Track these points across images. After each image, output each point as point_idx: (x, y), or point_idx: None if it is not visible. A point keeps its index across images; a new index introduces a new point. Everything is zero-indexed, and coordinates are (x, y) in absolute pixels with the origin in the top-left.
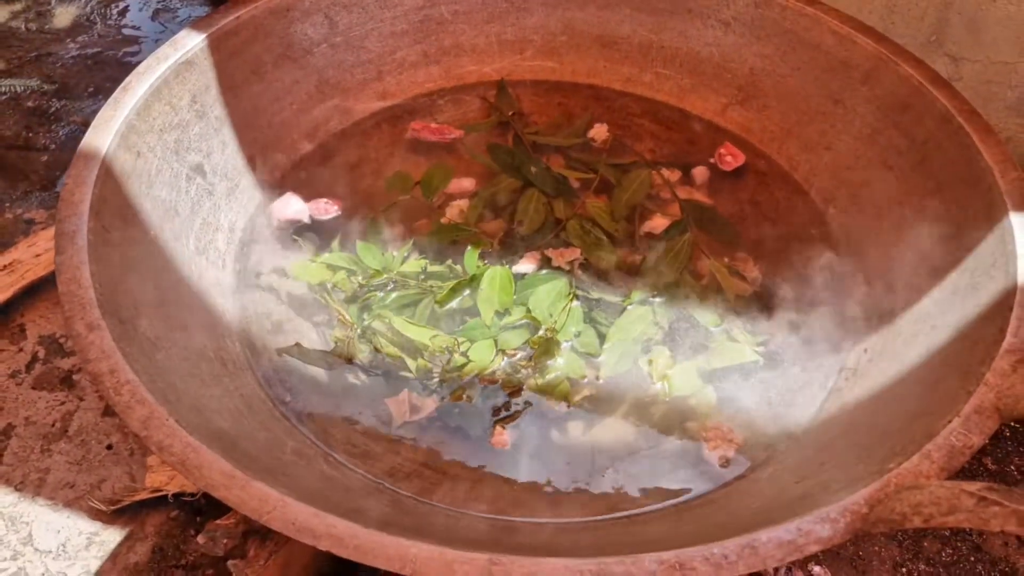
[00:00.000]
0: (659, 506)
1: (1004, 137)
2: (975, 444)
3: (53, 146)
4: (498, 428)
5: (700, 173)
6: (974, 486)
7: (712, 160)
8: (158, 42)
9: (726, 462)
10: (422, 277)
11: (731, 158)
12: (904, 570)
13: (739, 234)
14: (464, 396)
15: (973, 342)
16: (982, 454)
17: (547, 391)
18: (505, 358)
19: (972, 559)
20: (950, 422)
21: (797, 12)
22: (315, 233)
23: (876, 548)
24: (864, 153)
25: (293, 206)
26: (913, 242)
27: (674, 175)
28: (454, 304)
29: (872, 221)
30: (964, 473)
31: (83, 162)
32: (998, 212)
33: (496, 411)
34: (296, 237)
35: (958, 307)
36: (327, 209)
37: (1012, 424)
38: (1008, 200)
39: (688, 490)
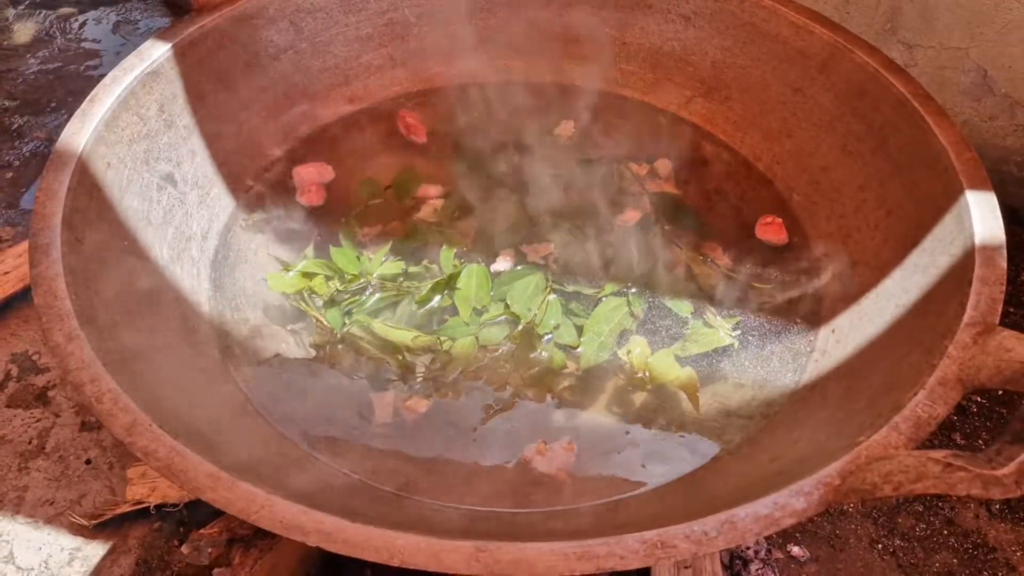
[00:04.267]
0: (640, 491)
1: (959, 120)
2: (940, 414)
3: (17, 162)
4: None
5: (663, 165)
6: (940, 453)
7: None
8: (119, 55)
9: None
10: (400, 279)
11: (767, 223)
12: (880, 546)
13: (707, 224)
14: (449, 393)
15: (935, 317)
16: (951, 430)
17: (531, 384)
18: (487, 354)
19: (945, 532)
20: (915, 395)
21: (755, 4)
22: (296, 220)
23: (852, 526)
24: (824, 140)
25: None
26: (874, 224)
27: (642, 169)
28: (433, 303)
29: (834, 205)
30: (935, 448)
31: (53, 175)
32: (954, 192)
33: (488, 409)
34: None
35: (920, 284)
36: (316, 195)
37: (978, 399)
38: (963, 179)
39: (668, 473)
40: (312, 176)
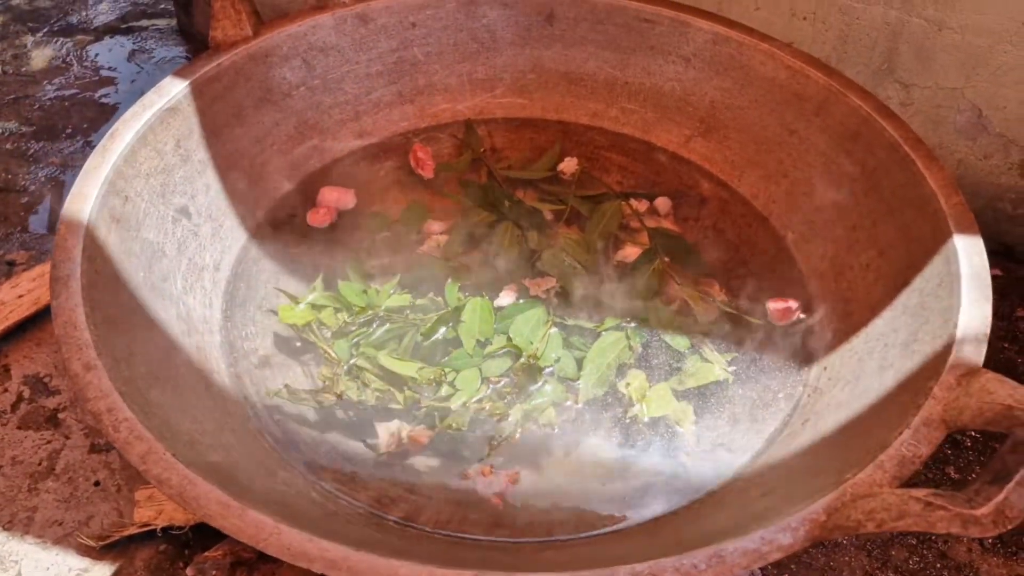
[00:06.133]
0: (634, 523)
1: (955, 159)
2: (924, 454)
3: (32, 187)
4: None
5: (663, 203)
6: (921, 492)
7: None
8: (134, 83)
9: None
10: (407, 312)
11: (787, 301)
12: None
13: (705, 260)
14: (452, 424)
15: (922, 358)
16: (945, 463)
17: (533, 416)
18: (490, 385)
19: (938, 566)
20: (901, 434)
21: (752, 48)
22: (305, 250)
23: (846, 558)
24: (819, 180)
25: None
26: (866, 263)
27: (642, 205)
28: (438, 336)
29: (828, 245)
30: (928, 482)
31: (75, 208)
32: (943, 235)
33: (491, 441)
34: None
35: (908, 325)
36: (324, 217)
37: (972, 434)
38: (952, 223)
39: (662, 507)
40: (332, 199)
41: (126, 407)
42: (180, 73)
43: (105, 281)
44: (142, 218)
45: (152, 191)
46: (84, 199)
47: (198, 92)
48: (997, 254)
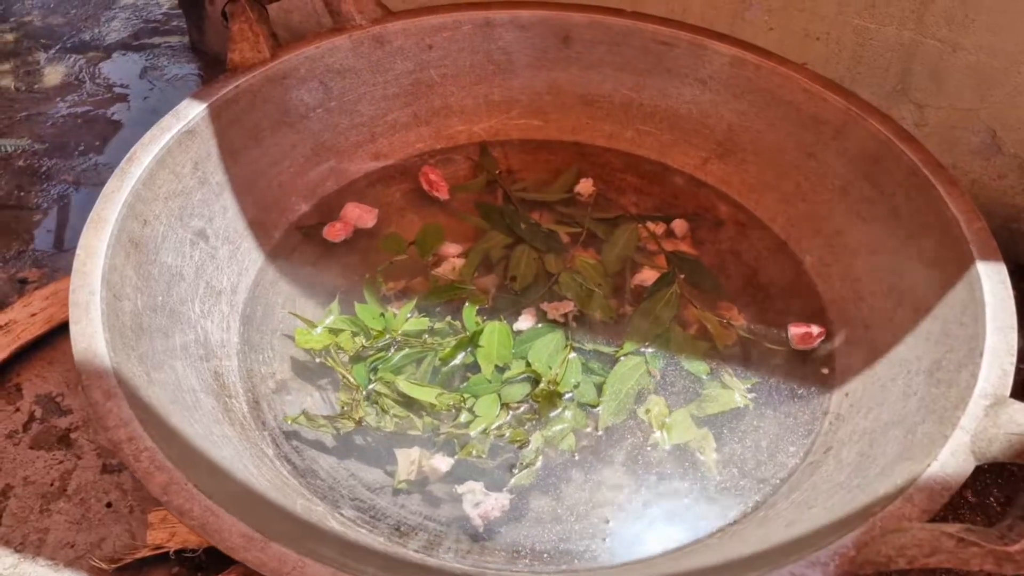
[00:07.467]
0: (656, 553)
1: (969, 179)
2: (953, 486)
3: (45, 205)
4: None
5: (680, 226)
6: (953, 528)
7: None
8: (146, 100)
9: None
10: (425, 336)
11: (809, 328)
12: None
13: (723, 284)
14: (473, 451)
15: (948, 387)
16: (963, 487)
17: (553, 443)
18: (510, 412)
19: None
20: (929, 466)
21: (770, 71)
22: (323, 271)
23: None
24: (838, 204)
25: (356, 211)
26: (887, 289)
27: (659, 228)
28: (456, 361)
29: (847, 269)
30: (947, 506)
31: (93, 232)
32: (966, 261)
33: (511, 468)
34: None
35: (932, 353)
36: (340, 232)
37: None
38: (974, 249)
39: (684, 536)
40: (354, 215)
41: (147, 436)
42: (198, 96)
43: (124, 307)
44: (161, 241)
45: (170, 214)
46: (103, 223)
47: (216, 114)
48: (1011, 275)
